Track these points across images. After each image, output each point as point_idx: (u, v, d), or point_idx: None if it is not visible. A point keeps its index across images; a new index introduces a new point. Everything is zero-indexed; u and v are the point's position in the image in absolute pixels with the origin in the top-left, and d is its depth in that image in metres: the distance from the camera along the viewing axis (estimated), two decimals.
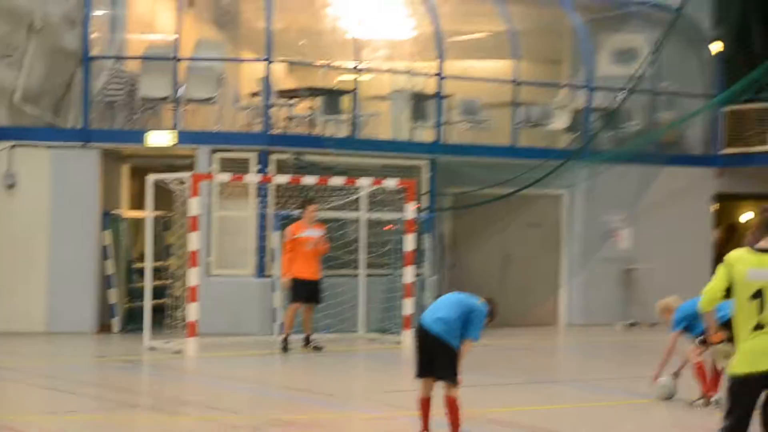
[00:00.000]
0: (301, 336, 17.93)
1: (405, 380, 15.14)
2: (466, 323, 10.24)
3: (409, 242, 19.10)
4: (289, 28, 22.71)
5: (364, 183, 19.33)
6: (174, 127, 20.52)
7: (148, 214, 18.74)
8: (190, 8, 22.47)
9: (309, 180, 18.96)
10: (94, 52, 20.97)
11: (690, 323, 13.19)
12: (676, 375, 13.54)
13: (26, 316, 19.91)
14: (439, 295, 10.68)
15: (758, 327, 7.74)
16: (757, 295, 7.74)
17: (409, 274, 19.08)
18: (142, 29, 22.88)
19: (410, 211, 19.23)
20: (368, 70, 22.46)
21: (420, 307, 19.86)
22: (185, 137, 20.33)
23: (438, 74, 22.06)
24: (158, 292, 19.83)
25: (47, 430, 11.07)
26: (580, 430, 11.45)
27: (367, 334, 19.63)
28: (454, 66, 22.99)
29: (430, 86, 22.41)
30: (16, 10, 20.10)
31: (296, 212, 18.88)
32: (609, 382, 15.77)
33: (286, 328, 17.87)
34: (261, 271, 20.02)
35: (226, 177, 18.90)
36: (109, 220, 20.68)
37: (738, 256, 7.99)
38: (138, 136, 20.58)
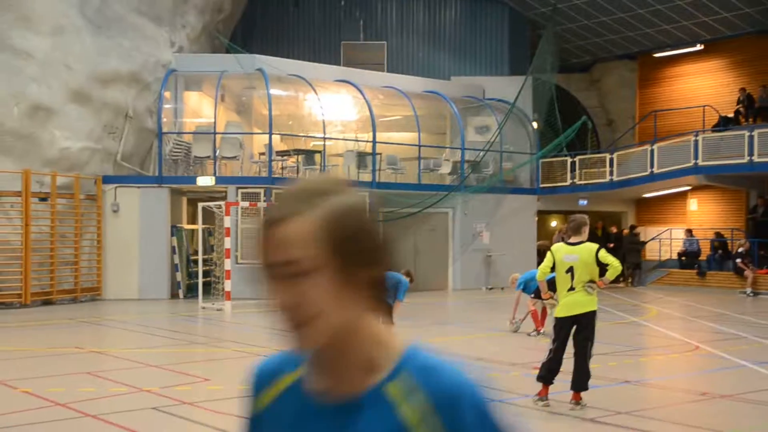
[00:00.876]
0: None
1: None
2: (395, 290, 10.14)
3: None
4: (282, 114, 22.70)
5: None
6: (214, 174, 20.34)
7: (199, 226, 18.62)
8: (222, 102, 22.29)
9: None
10: (165, 129, 20.80)
11: (526, 285, 13.24)
12: (522, 319, 13.55)
13: (127, 289, 19.70)
14: None
15: (571, 289, 7.80)
16: (569, 270, 7.79)
17: None
18: (194, 115, 22.75)
19: None
20: (330, 139, 22.36)
21: None
22: (221, 180, 20.18)
23: (372, 140, 21.99)
24: (206, 273, 19.69)
25: (136, 358, 10.76)
26: (466, 352, 11.38)
27: None
28: (382, 136, 23.01)
29: (368, 148, 22.35)
30: (118, 105, 19.82)
31: None
32: (480, 323, 15.76)
33: None
34: None
35: (246, 204, 18.74)
36: (175, 230, 20.45)
37: (558, 246, 8.08)
38: (192, 180, 20.43)
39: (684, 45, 27.12)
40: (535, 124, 25.46)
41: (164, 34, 21.26)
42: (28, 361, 10.67)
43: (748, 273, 22.10)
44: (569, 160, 24.91)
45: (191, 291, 20.33)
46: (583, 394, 7.77)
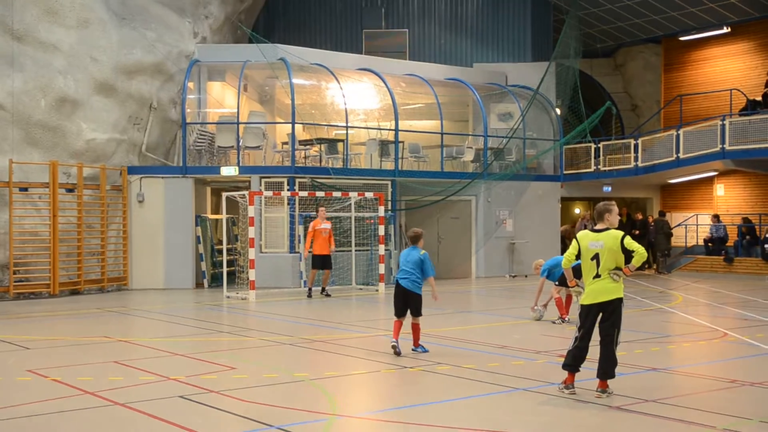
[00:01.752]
0: (319, 288, 17.81)
1: (381, 313, 15.08)
2: (423, 269, 10.16)
3: (381, 230, 18.97)
4: (304, 103, 22.69)
5: (353, 195, 19.22)
6: (237, 164, 20.34)
7: (223, 216, 18.68)
8: (245, 92, 22.32)
9: (319, 194, 18.86)
10: (188, 120, 20.81)
11: (549, 272, 13.17)
12: (545, 306, 13.49)
13: (153, 278, 19.86)
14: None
15: (597, 276, 7.77)
16: (595, 257, 7.77)
17: (381, 249, 18.94)
18: (217, 105, 22.77)
19: (381, 211, 19.13)
20: (353, 127, 22.32)
21: (389, 270, 19.80)
22: (244, 170, 20.18)
23: (395, 129, 21.92)
24: (230, 263, 19.77)
25: (163, 347, 10.84)
26: (490, 340, 11.33)
27: (357, 286, 19.45)
28: (404, 124, 22.99)
29: (390, 136, 22.30)
30: (142, 96, 19.93)
31: (313, 213, 18.81)
32: (503, 310, 15.71)
33: (309, 284, 17.76)
34: (292, 248, 19.85)
35: (269, 193, 18.78)
36: (199, 220, 20.51)
37: (583, 234, 8.06)
38: (216, 170, 20.46)
39: (710, 27, 26.71)
40: (558, 111, 25.26)
41: (187, 24, 21.31)
42: (58, 350, 10.80)
43: None
44: (593, 146, 24.71)
45: (216, 280, 20.43)
46: (609, 381, 7.73)
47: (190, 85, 21.31)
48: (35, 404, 7.50)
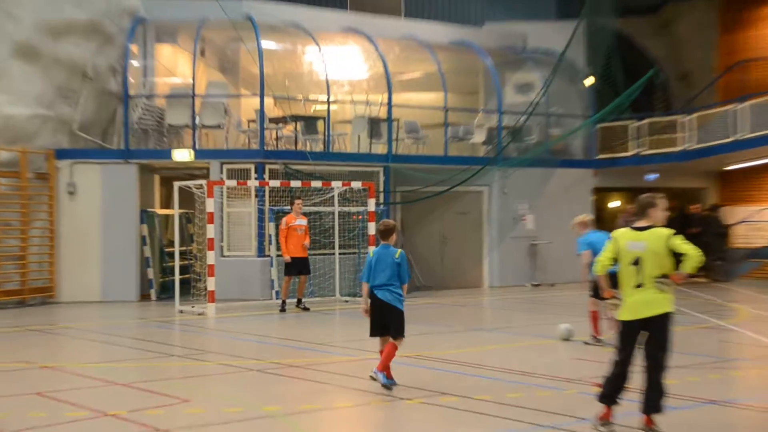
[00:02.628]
0: (295, 300, 17.78)
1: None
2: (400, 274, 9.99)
3: (371, 228, 18.93)
4: (276, 71, 22.68)
5: (336, 185, 19.22)
6: (193, 146, 20.37)
7: (175, 211, 18.79)
8: (201, 57, 22.29)
9: (295, 183, 18.88)
10: (131, 92, 20.83)
11: (590, 248, 12.27)
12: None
13: (86, 289, 19.81)
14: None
15: (639, 285, 7.72)
16: (636, 262, 7.69)
17: (371, 252, 18.82)
18: (167, 74, 22.77)
19: (371, 205, 19.15)
20: (336, 102, 22.31)
21: None
22: (201, 154, 20.22)
23: (388, 103, 21.92)
24: (184, 270, 19.80)
25: (99, 375, 10.73)
26: (508, 365, 11.22)
27: (341, 297, 19.41)
28: (399, 97, 23.07)
29: (382, 113, 22.31)
30: (73, 62, 19.87)
31: (287, 207, 18.80)
32: (524, 328, 15.66)
33: (283, 295, 17.73)
34: (261, 251, 19.89)
35: (232, 183, 18.81)
36: (145, 216, 20.53)
37: (621, 233, 8.04)
38: (166, 154, 20.50)
39: None
40: (589, 81, 25.21)
41: None
42: None
43: None
44: (633, 124, 24.71)
45: (166, 291, 20.40)
46: (656, 417, 7.64)
47: (134, 48, 21.23)
48: None
